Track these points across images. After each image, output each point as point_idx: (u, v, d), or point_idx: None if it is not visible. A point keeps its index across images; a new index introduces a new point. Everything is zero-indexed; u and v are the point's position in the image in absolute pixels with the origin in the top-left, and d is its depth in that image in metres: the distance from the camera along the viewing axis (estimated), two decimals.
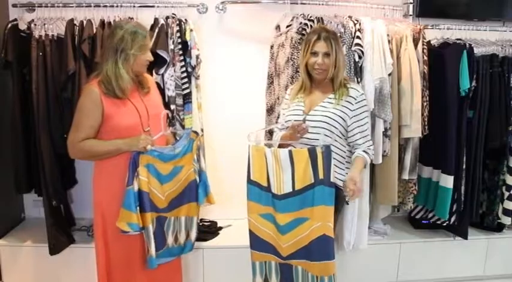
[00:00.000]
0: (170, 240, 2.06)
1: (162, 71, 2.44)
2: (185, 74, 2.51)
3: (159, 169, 1.96)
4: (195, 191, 2.09)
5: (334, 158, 1.99)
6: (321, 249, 1.94)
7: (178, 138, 2.13)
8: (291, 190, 1.96)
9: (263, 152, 2.00)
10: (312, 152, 1.90)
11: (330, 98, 2.01)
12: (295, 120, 2.03)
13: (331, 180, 1.91)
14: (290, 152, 1.94)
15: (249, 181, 2.07)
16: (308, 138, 2.00)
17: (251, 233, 2.10)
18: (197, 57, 2.54)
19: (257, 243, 2.09)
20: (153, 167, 1.94)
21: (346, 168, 2.07)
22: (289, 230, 1.99)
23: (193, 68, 2.53)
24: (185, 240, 2.12)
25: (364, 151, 2.01)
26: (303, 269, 2.02)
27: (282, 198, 1.98)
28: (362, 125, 2.02)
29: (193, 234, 2.12)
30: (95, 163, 1.98)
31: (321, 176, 1.90)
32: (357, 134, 2.01)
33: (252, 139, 2.03)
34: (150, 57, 1.97)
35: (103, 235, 1.96)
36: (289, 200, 1.97)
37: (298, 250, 1.99)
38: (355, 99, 2.00)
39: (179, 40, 2.49)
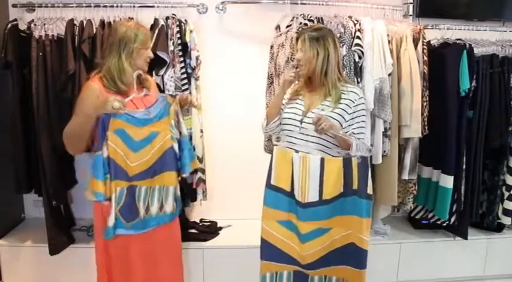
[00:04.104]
0: (142, 211, 1.92)
1: (162, 72, 2.44)
2: (185, 75, 2.51)
3: (132, 134, 1.85)
4: (172, 159, 1.95)
5: None
6: (347, 257, 1.92)
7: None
8: (317, 199, 1.90)
9: (290, 156, 1.92)
10: (347, 162, 1.87)
11: (329, 101, 1.95)
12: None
13: (369, 191, 1.87)
14: (322, 160, 1.89)
15: (269, 186, 1.96)
16: (305, 140, 1.97)
17: (263, 241, 1.98)
18: (197, 58, 2.54)
19: (269, 252, 1.98)
20: (124, 132, 1.83)
21: None
22: (311, 238, 1.92)
23: (193, 69, 2.53)
24: (157, 212, 1.97)
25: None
26: (321, 278, 1.97)
27: (306, 207, 1.90)
28: (357, 128, 1.97)
29: (169, 206, 1.98)
30: None
31: (354, 186, 1.87)
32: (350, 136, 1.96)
33: (280, 142, 1.96)
34: (150, 54, 2.00)
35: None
36: (314, 209, 1.90)
37: (322, 257, 1.94)
38: (353, 102, 1.95)
39: (179, 41, 2.49)
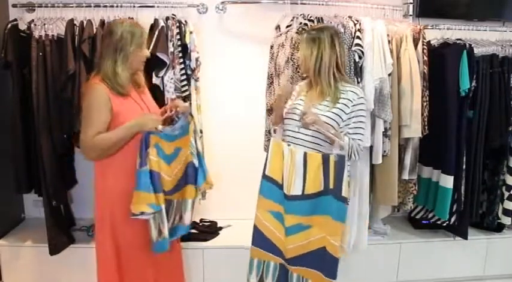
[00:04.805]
0: (170, 224, 2.00)
1: (162, 73, 2.44)
2: (185, 77, 2.51)
3: (164, 149, 1.92)
4: (192, 173, 2.04)
5: None
6: (318, 261, 1.93)
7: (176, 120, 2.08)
8: (300, 193, 1.93)
9: (282, 148, 1.98)
10: (326, 159, 1.88)
11: (328, 101, 1.98)
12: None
13: (343, 194, 1.86)
14: (305, 154, 1.92)
15: (264, 176, 2.02)
16: (303, 140, 2.00)
17: (255, 228, 2.06)
18: (197, 59, 2.54)
19: (259, 240, 2.05)
20: (159, 146, 1.90)
21: None
22: (292, 233, 1.96)
23: (193, 70, 2.53)
24: (178, 222, 2.05)
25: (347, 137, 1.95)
26: (299, 276, 2.00)
27: (290, 199, 1.95)
28: (353, 128, 1.97)
29: (187, 217, 2.05)
30: (97, 166, 1.95)
31: (331, 185, 1.88)
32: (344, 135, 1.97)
33: (277, 134, 2.01)
34: (147, 53, 1.99)
35: (113, 237, 1.93)
36: (296, 203, 1.94)
37: (300, 255, 1.96)
38: (352, 102, 1.96)
39: (179, 43, 2.49)
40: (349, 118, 1.97)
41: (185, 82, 2.52)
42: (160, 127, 1.87)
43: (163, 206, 1.90)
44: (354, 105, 1.97)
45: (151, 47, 2.36)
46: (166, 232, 1.91)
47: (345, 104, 1.96)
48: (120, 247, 1.94)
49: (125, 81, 1.89)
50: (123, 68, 1.87)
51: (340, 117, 1.96)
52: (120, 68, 1.86)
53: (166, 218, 1.91)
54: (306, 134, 1.99)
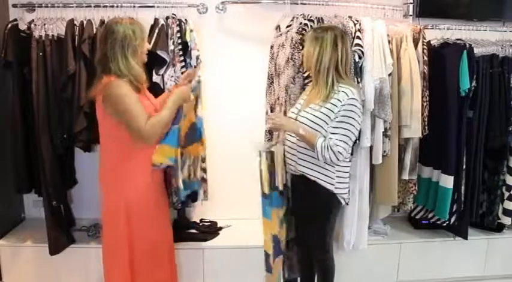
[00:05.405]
0: (185, 174, 2.15)
1: (162, 71, 2.44)
2: None
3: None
4: (198, 131, 2.22)
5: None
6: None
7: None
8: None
9: None
10: None
11: (321, 100, 2.00)
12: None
13: (262, 189, 2.05)
14: None
15: None
16: (294, 143, 2.07)
17: None
18: (197, 57, 2.54)
19: None
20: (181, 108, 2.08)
21: (337, 171, 2.03)
22: None
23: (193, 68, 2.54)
24: (193, 178, 2.21)
25: (324, 137, 1.95)
26: None
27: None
28: (333, 127, 1.95)
29: (198, 174, 2.26)
30: (116, 162, 1.96)
31: None
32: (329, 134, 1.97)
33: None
34: (148, 46, 2.06)
35: (128, 233, 1.95)
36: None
37: None
38: (341, 101, 1.95)
39: (179, 41, 2.49)
40: (336, 117, 1.96)
41: None
42: (192, 97, 2.09)
43: (179, 158, 2.07)
44: (342, 105, 1.95)
45: (151, 44, 2.36)
46: (180, 184, 2.10)
47: (334, 104, 1.97)
48: (134, 244, 1.97)
49: (140, 74, 1.93)
50: (135, 62, 1.91)
51: (329, 117, 1.97)
52: (132, 63, 1.89)
53: (180, 170, 2.09)
54: (294, 137, 2.06)
